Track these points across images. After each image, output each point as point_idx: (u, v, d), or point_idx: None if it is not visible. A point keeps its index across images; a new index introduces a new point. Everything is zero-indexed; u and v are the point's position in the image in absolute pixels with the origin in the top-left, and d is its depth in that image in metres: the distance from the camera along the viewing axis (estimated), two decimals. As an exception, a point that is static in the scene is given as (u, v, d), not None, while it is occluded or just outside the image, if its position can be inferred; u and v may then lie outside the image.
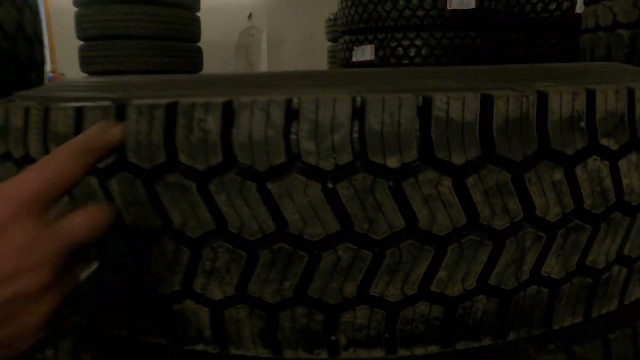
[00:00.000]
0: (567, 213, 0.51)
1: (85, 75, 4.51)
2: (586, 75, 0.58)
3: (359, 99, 0.47)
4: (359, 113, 0.47)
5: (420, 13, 3.34)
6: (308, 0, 8.55)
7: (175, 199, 0.50)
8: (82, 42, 4.48)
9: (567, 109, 0.49)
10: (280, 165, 0.47)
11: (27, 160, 0.61)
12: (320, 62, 7.75)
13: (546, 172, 0.49)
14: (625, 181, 0.53)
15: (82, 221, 0.42)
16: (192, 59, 4.73)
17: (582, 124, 0.50)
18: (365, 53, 3.63)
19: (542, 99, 0.49)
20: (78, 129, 0.54)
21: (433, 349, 0.53)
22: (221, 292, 0.52)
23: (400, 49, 3.42)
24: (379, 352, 0.52)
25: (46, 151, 0.58)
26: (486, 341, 0.53)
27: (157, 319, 0.56)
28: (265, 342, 0.53)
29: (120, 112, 0.51)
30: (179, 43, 4.55)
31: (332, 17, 5.79)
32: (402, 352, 0.52)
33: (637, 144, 0.53)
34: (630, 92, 0.52)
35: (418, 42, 3.39)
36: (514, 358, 0.53)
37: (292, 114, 0.47)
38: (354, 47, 3.66)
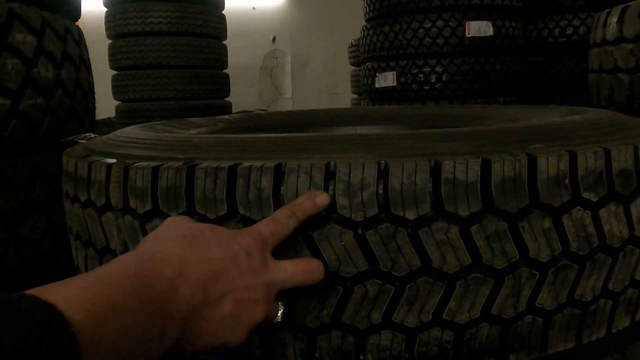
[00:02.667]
0: (556, 254, 0.62)
1: (118, 102, 4.73)
2: (572, 135, 0.69)
3: (383, 163, 0.59)
4: (383, 175, 0.58)
5: (440, 41, 3.43)
6: (330, 24, 8.75)
7: (235, 242, 0.62)
8: (114, 72, 4.71)
9: (553, 168, 0.60)
10: (320, 216, 0.59)
11: (107, 207, 0.74)
12: (343, 84, 7.91)
13: (537, 221, 0.60)
14: (606, 227, 0.63)
15: (300, 270, 0.57)
16: (220, 86, 4.92)
17: (567, 181, 0.61)
18: (387, 79, 3.74)
19: (532, 161, 0.60)
20: (154, 184, 0.67)
21: (446, 366, 0.63)
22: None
23: (421, 75, 3.51)
24: (400, 369, 0.63)
25: (125, 201, 0.71)
26: (491, 361, 0.64)
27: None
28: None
29: (190, 172, 0.64)
30: (207, 71, 4.75)
31: (354, 43, 5.94)
32: (420, 369, 0.63)
33: (615, 195, 0.63)
34: (607, 153, 0.63)
35: (439, 69, 3.48)
36: (515, 375, 0.63)
37: (329, 175, 0.59)
38: (377, 74, 3.77)
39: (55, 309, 0.38)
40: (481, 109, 1.43)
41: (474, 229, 0.59)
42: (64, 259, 1.20)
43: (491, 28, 3.48)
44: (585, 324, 0.66)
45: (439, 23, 3.41)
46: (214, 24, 4.77)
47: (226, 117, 1.49)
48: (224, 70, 5.01)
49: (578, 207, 0.62)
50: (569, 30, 3.94)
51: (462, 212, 0.58)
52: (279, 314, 0.60)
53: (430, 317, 0.61)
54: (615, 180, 0.63)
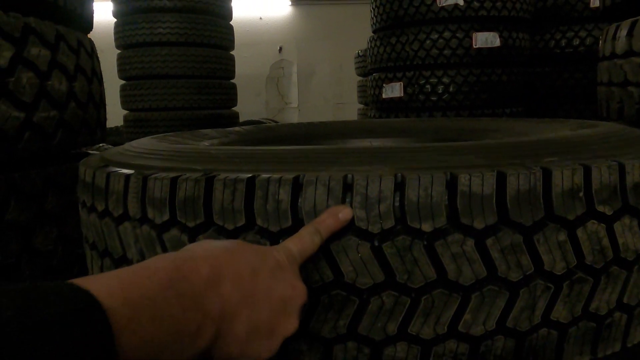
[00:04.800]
0: (571, 267, 0.62)
1: (126, 112, 4.76)
2: (585, 149, 0.69)
3: (399, 175, 0.60)
4: (399, 187, 0.59)
5: (446, 52, 3.45)
6: (336, 34, 8.80)
7: (252, 253, 0.63)
8: (123, 82, 4.75)
9: (568, 182, 0.61)
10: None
11: (125, 217, 0.75)
12: (349, 94, 7.94)
13: (552, 234, 0.61)
14: (620, 240, 0.64)
15: None
16: (227, 96, 4.95)
17: (581, 194, 0.61)
18: (394, 90, 3.75)
19: (547, 174, 0.61)
20: (172, 195, 0.68)
21: (461, 378, 0.63)
22: (287, 329, 0.64)
23: (428, 86, 3.53)
24: (415, 381, 0.63)
25: (143, 212, 0.72)
26: (506, 373, 0.64)
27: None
28: (322, 370, 0.65)
29: (208, 183, 0.65)
30: (214, 81, 4.78)
31: (361, 54, 5.97)
32: (435, 381, 0.63)
33: (629, 209, 0.64)
34: (621, 167, 0.63)
35: (445, 80, 3.49)
36: (530, 388, 0.64)
37: (347, 188, 0.60)
38: (384, 85, 3.78)
39: (91, 295, 0.39)
40: (491, 122, 1.43)
41: (489, 241, 0.59)
42: (75, 270, 1.21)
43: (498, 39, 3.49)
44: (600, 337, 0.66)
45: (446, 34, 3.43)
46: (221, 35, 4.81)
47: (237, 128, 1.50)
48: (231, 80, 5.04)
49: (593, 221, 0.62)
50: (576, 42, 3.96)
51: (478, 224, 0.59)
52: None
53: (446, 329, 0.61)
54: (629, 194, 0.64)
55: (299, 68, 9.23)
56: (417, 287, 0.60)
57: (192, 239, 0.66)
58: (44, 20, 1.15)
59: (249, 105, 7.49)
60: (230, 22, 4.99)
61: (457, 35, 3.39)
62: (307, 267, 0.61)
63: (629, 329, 0.69)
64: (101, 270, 0.83)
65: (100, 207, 0.80)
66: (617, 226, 0.63)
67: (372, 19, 3.81)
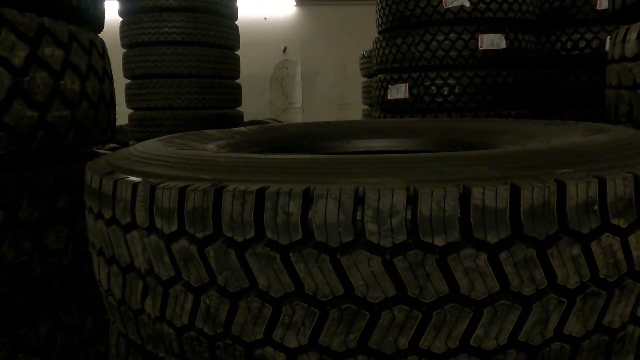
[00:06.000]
0: (584, 281, 0.61)
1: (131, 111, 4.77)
2: (599, 158, 0.68)
3: (411, 189, 0.59)
4: (412, 201, 0.58)
5: (452, 53, 3.44)
6: (341, 35, 8.80)
7: (262, 265, 0.62)
8: (129, 81, 4.75)
9: (582, 195, 0.60)
10: (349, 242, 0.59)
11: (132, 226, 0.74)
12: (352, 95, 7.93)
13: (566, 247, 0.60)
14: (635, 253, 0.63)
15: None
16: (232, 95, 4.95)
17: (596, 207, 0.60)
18: (399, 91, 3.75)
19: (561, 187, 0.60)
20: (181, 205, 0.67)
21: (472, 393, 0.63)
22: (296, 342, 0.63)
23: (433, 87, 3.52)
24: (426, 395, 0.63)
25: (151, 221, 0.71)
26: (517, 387, 0.63)
27: (241, 361, 0.67)
28: (331, 383, 0.64)
29: (217, 194, 0.64)
30: (219, 80, 4.78)
31: (365, 55, 5.96)
32: (446, 396, 0.63)
33: (645, 223, 0.63)
34: (636, 179, 0.62)
35: (451, 81, 3.48)
36: (542, 403, 0.63)
37: (358, 201, 0.59)
38: (389, 86, 3.78)
39: None
40: (499, 123, 1.42)
41: (502, 255, 0.59)
42: (85, 269, 1.21)
43: (504, 41, 3.48)
44: (613, 350, 0.66)
45: (452, 36, 3.42)
46: (226, 35, 4.81)
47: (242, 129, 1.49)
48: (235, 80, 5.04)
49: (607, 234, 0.61)
50: (582, 44, 3.94)
51: (491, 239, 0.58)
52: None
53: (458, 343, 0.61)
54: (644, 207, 0.63)
55: (303, 68, 9.23)
56: (429, 301, 0.59)
57: (201, 250, 0.66)
58: (57, 21, 1.15)
59: (253, 105, 7.49)
60: (236, 22, 4.99)
61: (463, 36, 3.39)
62: (318, 280, 0.60)
63: (643, 343, 0.68)
64: (108, 277, 0.82)
65: (107, 215, 0.79)
66: (631, 239, 0.63)
67: (378, 19, 3.80)
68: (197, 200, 0.66)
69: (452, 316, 0.60)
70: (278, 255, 0.61)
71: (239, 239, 0.63)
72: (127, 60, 4.68)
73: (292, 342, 0.64)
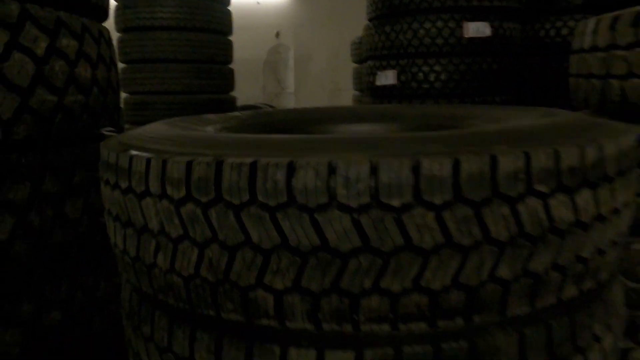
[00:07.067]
0: (513, 235, 0.77)
1: (127, 95, 4.87)
2: (532, 137, 0.83)
3: (375, 160, 0.74)
4: (374, 171, 0.73)
5: (439, 41, 3.55)
6: (334, 20, 8.87)
7: (254, 223, 0.77)
8: (124, 65, 4.85)
9: (511, 166, 0.75)
10: (324, 204, 0.74)
11: (147, 194, 0.89)
12: (345, 80, 8.04)
13: (497, 208, 0.75)
14: (554, 213, 0.78)
15: None
16: (225, 80, 5.06)
17: (521, 175, 0.76)
18: (388, 77, 3.86)
19: (494, 159, 0.75)
20: (188, 175, 0.82)
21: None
22: (282, 285, 0.79)
23: (420, 74, 3.64)
24: (385, 327, 0.78)
25: (162, 189, 0.86)
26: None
27: (237, 302, 0.83)
28: (310, 318, 0.79)
29: (218, 166, 0.79)
30: (212, 65, 4.88)
31: (357, 41, 6.06)
32: (402, 327, 0.78)
33: (563, 188, 0.78)
34: (557, 153, 0.78)
35: (437, 68, 3.60)
36: None
37: (332, 171, 0.74)
38: (378, 72, 3.89)
39: None
40: (473, 108, 1.56)
41: (446, 214, 0.74)
42: (98, 238, 1.36)
43: (489, 29, 3.60)
44: (537, 292, 0.81)
45: (439, 24, 3.53)
46: (220, 20, 4.91)
47: (237, 114, 1.64)
48: (228, 65, 5.14)
49: (531, 197, 0.76)
50: (565, 31, 4.06)
51: (437, 200, 0.73)
52: None
53: (411, 284, 0.76)
54: (563, 176, 0.78)
55: (296, 53, 9.30)
56: (388, 251, 0.75)
57: (205, 212, 0.81)
58: (71, 14, 1.29)
59: (246, 90, 7.58)
60: (229, 7, 5.08)
61: (450, 24, 3.50)
62: (299, 234, 0.75)
63: (563, 286, 0.83)
64: (124, 238, 0.97)
65: (124, 185, 0.94)
66: (552, 201, 0.78)
67: (368, 7, 3.91)
68: (202, 171, 0.80)
69: (406, 262, 0.75)
70: (267, 215, 0.76)
71: (236, 202, 0.78)
72: (122, 44, 4.78)
73: (279, 285, 0.79)
